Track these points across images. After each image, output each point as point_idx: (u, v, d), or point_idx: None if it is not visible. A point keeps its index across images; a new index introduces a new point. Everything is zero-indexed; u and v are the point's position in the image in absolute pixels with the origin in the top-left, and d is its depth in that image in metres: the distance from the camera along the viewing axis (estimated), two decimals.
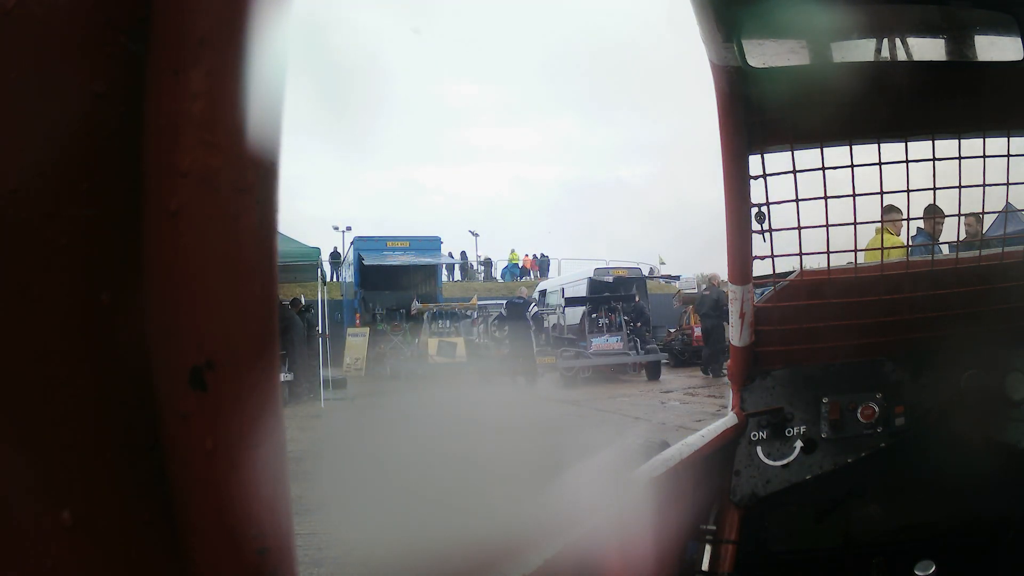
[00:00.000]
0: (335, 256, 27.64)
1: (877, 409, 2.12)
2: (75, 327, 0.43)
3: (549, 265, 34.76)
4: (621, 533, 1.23)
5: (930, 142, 1.90)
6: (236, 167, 0.43)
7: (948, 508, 2.07)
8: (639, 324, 15.82)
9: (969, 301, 2.03)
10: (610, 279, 18.89)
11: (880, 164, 1.91)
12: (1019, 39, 1.75)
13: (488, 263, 35.68)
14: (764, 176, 1.94)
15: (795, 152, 1.92)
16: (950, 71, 1.86)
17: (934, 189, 1.92)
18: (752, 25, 1.73)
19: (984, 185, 1.91)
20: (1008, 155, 1.88)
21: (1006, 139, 1.88)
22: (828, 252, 2.02)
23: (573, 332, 16.74)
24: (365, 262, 18.93)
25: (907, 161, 1.90)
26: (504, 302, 18.71)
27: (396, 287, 19.95)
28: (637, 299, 16.92)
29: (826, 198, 2.08)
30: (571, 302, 17.53)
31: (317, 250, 12.50)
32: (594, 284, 18.74)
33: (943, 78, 1.85)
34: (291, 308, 12.30)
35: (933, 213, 4.25)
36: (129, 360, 0.44)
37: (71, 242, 0.43)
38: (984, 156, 1.90)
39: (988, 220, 2.04)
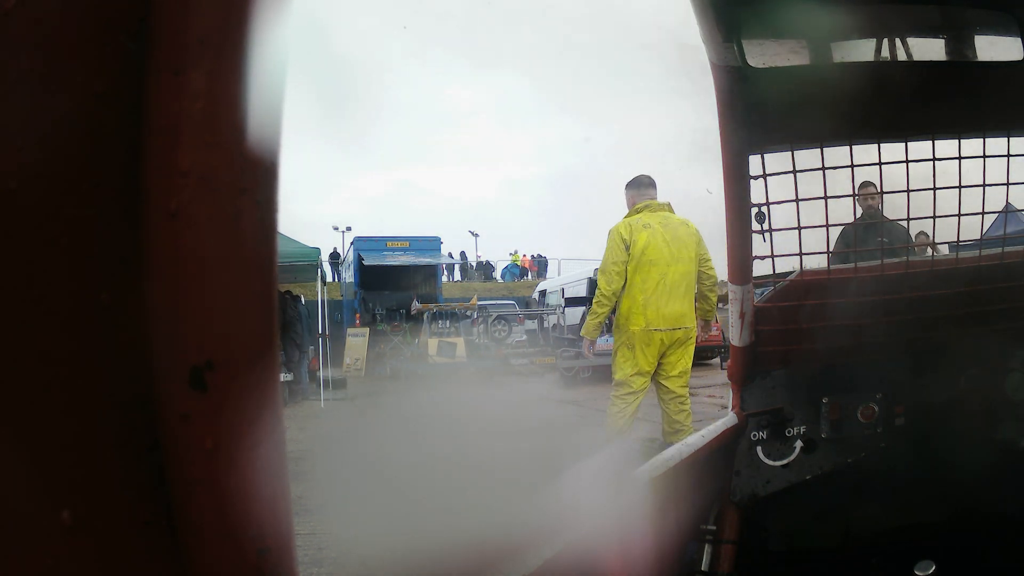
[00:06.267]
0: (335, 256, 27.64)
1: (877, 409, 2.12)
2: (75, 327, 0.43)
3: (547, 265, 34.84)
4: (621, 533, 1.23)
5: (930, 142, 1.90)
6: (236, 167, 0.43)
7: (948, 508, 2.07)
8: None
9: (969, 301, 2.03)
10: None
11: (880, 164, 1.90)
12: (1019, 39, 1.75)
13: (487, 265, 35.69)
14: (764, 176, 1.94)
15: (795, 152, 1.92)
16: (950, 71, 1.86)
17: (934, 189, 1.92)
18: (752, 25, 1.73)
19: (984, 185, 1.91)
20: (1008, 155, 1.88)
21: (1006, 139, 1.88)
22: (828, 252, 2.02)
23: (573, 332, 16.74)
24: (365, 262, 18.92)
25: (907, 161, 1.90)
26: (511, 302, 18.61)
27: (396, 287, 19.93)
28: None
29: (826, 198, 2.08)
30: (571, 302, 17.53)
31: (317, 250, 12.50)
32: (594, 284, 18.72)
33: (943, 78, 1.85)
34: (286, 297, 12.28)
35: (866, 188, 4.18)
36: (129, 360, 0.44)
37: (71, 242, 0.43)
38: (984, 156, 1.90)
39: (988, 220, 2.03)
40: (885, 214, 2.52)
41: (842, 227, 2.47)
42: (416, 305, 17.26)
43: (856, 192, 1.99)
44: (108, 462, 0.44)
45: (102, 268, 0.44)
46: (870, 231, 4.20)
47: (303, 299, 13.49)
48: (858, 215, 4.34)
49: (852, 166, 1.91)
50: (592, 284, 18.91)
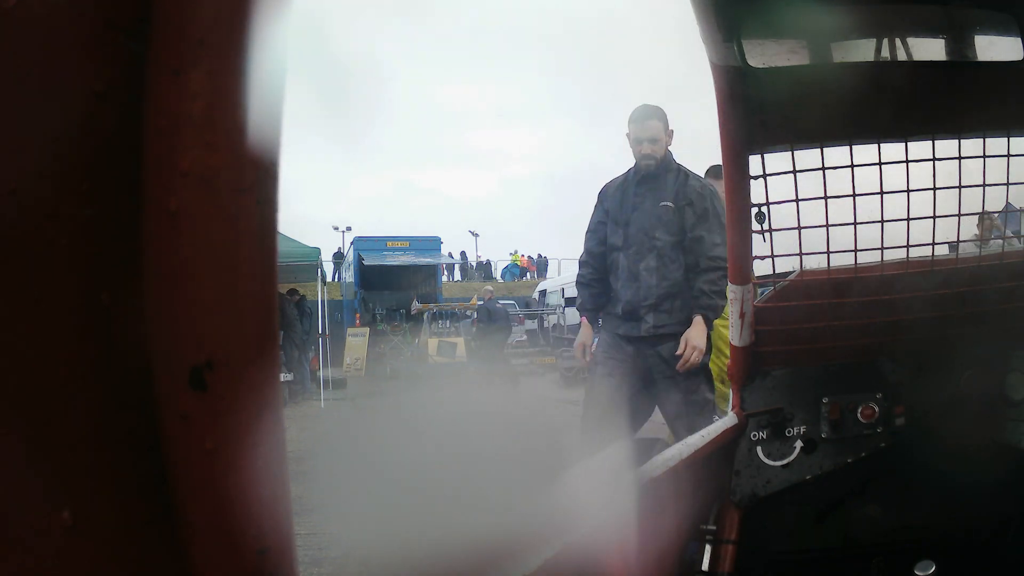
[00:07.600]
0: (338, 256, 27.67)
1: (877, 409, 2.12)
2: (75, 327, 0.43)
3: (547, 265, 34.88)
4: (621, 533, 1.23)
5: (930, 142, 1.90)
6: (236, 167, 0.43)
7: (948, 508, 2.07)
8: None
9: (969, 301, 2.02)
10: None
11: (880, 164, 1.90)
12: (1019, 39, 1.75)
13: (486, 265, 35.78)
14: (764, 176, 1.94)
15: (795, 152, 1.92)
16: (950, 71, 1.86)
17: (934, 189, 1.92)
18: (752, 25, 1.73)
19: (984, 185, 1.91)
20: (1008, 155, 1.88)
21: (1006, 139, 1.88)
22: (828, 252, 2.02)
23: (573, 332, 16.74)
24: (365, 262, 18.94)
25: (907, 161, 1.90)
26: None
27: (396, 287, 19.95)
28: None
29: (826, 198, 2.08)
30: (571, 302, 17.54)
31: (317, 250, 12.51)
32: None
33: (943, 78, 1.85)
34: (288, 297, 12.29)
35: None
36: (129, 360, 0.44)
37: (71, 242, 0.43)
38: (984, 156, 1.90)
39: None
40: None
41: (842, 227, 2.37)
42: (416, 305, 17.28)
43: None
44: (108, 462, 0.44)
45: (102, 268, 0.44)
46: (645, 187, 3.53)
47: (307, 298, 13.49)
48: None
49: (852, 166, 1.91)
50: None
